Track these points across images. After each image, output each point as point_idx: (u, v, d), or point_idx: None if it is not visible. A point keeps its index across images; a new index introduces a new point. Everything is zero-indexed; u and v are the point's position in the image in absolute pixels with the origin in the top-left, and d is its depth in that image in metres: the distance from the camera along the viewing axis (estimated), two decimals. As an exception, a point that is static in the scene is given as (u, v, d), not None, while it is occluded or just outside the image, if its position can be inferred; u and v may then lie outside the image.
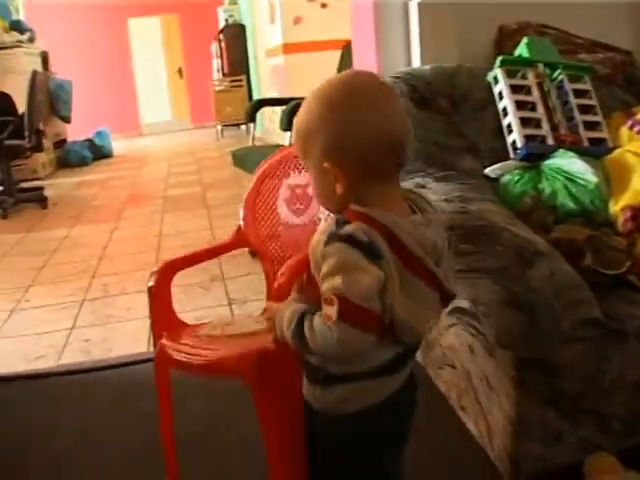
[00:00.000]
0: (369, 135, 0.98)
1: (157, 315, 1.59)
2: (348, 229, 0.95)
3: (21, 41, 8.58)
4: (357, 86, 1.02)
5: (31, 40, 8.94)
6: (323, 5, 7.48)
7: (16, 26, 8.88)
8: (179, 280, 1.66)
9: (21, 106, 6.38)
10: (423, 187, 1.82)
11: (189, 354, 1.43)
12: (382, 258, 0.94)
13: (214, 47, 11.77)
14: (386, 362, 1.04)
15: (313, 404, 1.10)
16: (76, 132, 9.56)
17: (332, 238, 0.95)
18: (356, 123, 0.98)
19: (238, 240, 1.77)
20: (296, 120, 1.06)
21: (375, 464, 1.12)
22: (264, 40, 8.82)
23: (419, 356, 2.20)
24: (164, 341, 1.50)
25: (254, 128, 4.38)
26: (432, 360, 2.06)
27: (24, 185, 6.70)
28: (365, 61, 2.46)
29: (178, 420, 1.64)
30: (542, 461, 1.59)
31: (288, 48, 7.32)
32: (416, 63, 2.33)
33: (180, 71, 13.71)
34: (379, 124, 0.99)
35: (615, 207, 1.89)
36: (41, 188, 6.57)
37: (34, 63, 8.28)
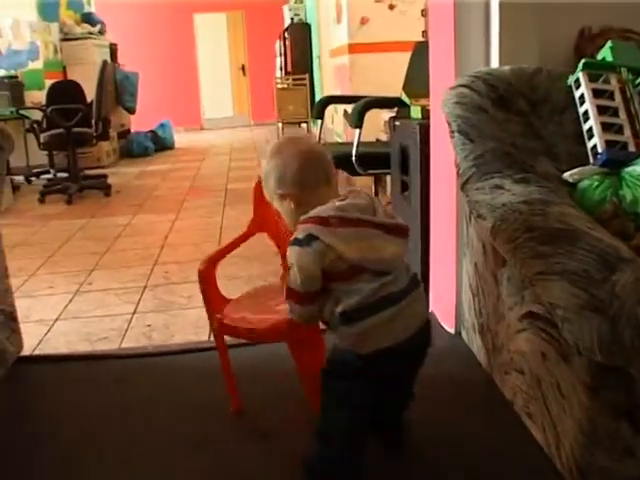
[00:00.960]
0: (297, 167, 1.52)
1: (207, 295, 1.98)
2: (295, 235, 1.46)
3: (92, 33, 8.81)
4: (279, 144, 1.60)
5: (101, 32, 9.17)
6: (391, 7, 7.46)
7: (87, 18, 9.12)
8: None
9: (89, 95, 6.53)
10: (501, 188, 1.79)
11: (241, 325, 1.86)
12: (316, 239, 1.42)
13: (278, 45, 11.85)
14: (371, 292, 1.44)
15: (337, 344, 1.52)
16: (139, 123, 9.76)
17: (289, 244, 1.47)
18: (288, 163, 1.53)
19: (252, 229, 2.14)
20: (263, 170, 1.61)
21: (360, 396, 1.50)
22: (329, 40, 8.82)
23: (483, 361, 2.18)
24: (219, 315, 1.92)
25: (322, 125, 4.35)
26: (498, 365, 2.02)
27: (88, 172, 6.86)
28: (441, 60, 2.43)
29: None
30: (611, 474, 1.55)
31: (354, 48, 7.31)
32: (494, 64, 2.29)
33: (243, 68, 13.84)
34: (302, 159, 1.53)
35: (698, 218, 1.83)
36: (105, 176, 6.72)
37: (103, 54, 8.49)
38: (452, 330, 2.48)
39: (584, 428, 1.51)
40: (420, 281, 1.59)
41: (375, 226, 1.47)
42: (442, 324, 2.56)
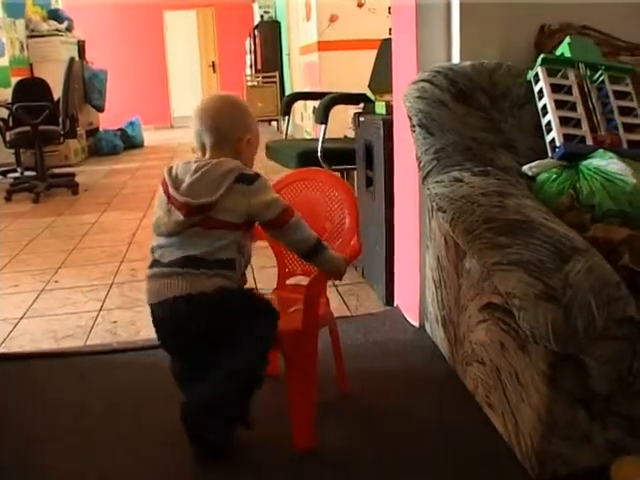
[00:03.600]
0: (194, 127, 1.72)
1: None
2: None
3: (59, 30, 8.71)
4: (198, 107, 1.75)
5: (69, 29, 9.07)
6: (359, 4, 7.48)
7: (54, 15, 9.02)
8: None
9: (56, 93, 6.46)
10: (460, 181, 1.81)
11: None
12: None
13: (248, 42, 11.83)
14: (153, 249, 1.67)
15: None
16: (108, 121, 9.68)
17: None
18: (195, 124, 1.72)
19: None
20: None
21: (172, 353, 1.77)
22: (298, 37, 8.83)
23: (446, 353, 2.20)
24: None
25: (288, 121, 4.37)
26: (460, 356, 2.05)
27: (56, 171, 6.78)
28: (404, 56, 2.45)
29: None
30: (569, 462, 1.58)
31: (323, 46, 7.32)
32: (455, 60, 2.31)
33: (213, 65, 13.79)
34: (197, 122, 1.72)
35: (653, 210, 1.87)
36: (72, 174, 6.65)
37: (71, 52, 8.39)
38: (416, 323, 2.50)
39: (542, 417, 1.54)
40: (202, 263, 1.61)
41: (165, 191, 1.65)
42: (406, 317, 2.58)
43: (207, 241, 1.61)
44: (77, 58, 8.19)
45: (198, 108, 1.73)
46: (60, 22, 8.90)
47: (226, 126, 1.71)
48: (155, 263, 1.66)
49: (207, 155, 1.70)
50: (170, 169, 1.67)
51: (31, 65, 8.28)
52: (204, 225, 1.61)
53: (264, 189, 1.65)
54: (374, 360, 2.31)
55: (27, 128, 6.04)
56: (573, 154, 1.98)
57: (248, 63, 12.10)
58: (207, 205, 1.59)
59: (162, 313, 1.65)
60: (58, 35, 8.56)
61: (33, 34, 8.35)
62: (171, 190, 1.62)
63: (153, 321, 1.70)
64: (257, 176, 1.66)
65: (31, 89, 6.69)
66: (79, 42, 9.25)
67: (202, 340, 1.64)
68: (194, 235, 1.61)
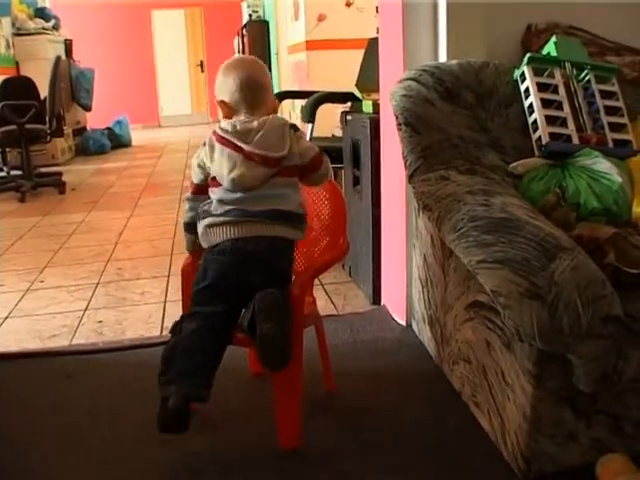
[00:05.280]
0: (230, 87, 1.81)
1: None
2: None
3: (45, 28, 8.65)
4: (232, 62, 1.87)
5: (55, 28, 9.00)
6: (347, 4, 7.48)
7: (41, 13, 8.96)
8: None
9: (43, 92, 6.42)
10: (447, 179, 1.81)
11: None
12: (204, 146, 1.79)
13: (236, 42, 11.80)
14: (216, 201, 1.76)
15: None
16: (96, 120, 9.63)
17: None
18: (229, 83, 1.82)
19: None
20: None
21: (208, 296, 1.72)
22: (286, 37, 8.82)
23: (433, 352, 2.20)
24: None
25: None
26: (447, 355, 2.05)
27: (43, 170, 6.74)
28: (391, 55, 2.45)
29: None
30: (554, 460, 1.58)
31: (311, 45, 7.31)
32: (442, 59, 2.31)
33: (202, 64, 13.76)
34: (235, 82, 1.81)
35: (638, 209, 1.88)
36: (59, 173, 6.61)
37: (57, 50, 8.34)
38: (403, 322, 2.50)
39: (527, 415, 1.54)
40: (284, 217, 1.75)
41: (236, 149, 1.73)
42: (393, 316, 2.58)
43: (287, 190, 1.77)
44: (64, 57, 8.13)
45: (242, 68, 1.84)
46: (47, 20, 8.84)
47: (267, 92, 1.87)
48: (229, 212, 1.73)
49: (248, 113, 1.80)
50: (226, 129, 1.75)
51: (17, 63, 8.22)
52: (283, 174, 1.75)
53: (303, 136, 1.86)
54: (361, 359, 2.30)
55: (13, 127, 5.99)
56: (559, 153, 1.98)
57: (236, 62, 12.05)
58: (284, 156, 1.74)
59: (244, 244, 1.72)
60: (45, 33, 8.50)
61: (19, 32, 8.28)
62: (244, 146, 1.72)
63: (217, 257, 1.74)
64: (298, 127, 1.85)
65: (17, 88, 6.64)
66: (66, 41, 9.19)
67: (263, 277, 1.71)
68: (275, 186, 1.75)
